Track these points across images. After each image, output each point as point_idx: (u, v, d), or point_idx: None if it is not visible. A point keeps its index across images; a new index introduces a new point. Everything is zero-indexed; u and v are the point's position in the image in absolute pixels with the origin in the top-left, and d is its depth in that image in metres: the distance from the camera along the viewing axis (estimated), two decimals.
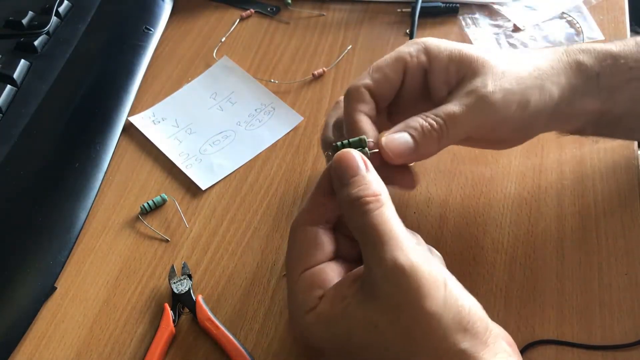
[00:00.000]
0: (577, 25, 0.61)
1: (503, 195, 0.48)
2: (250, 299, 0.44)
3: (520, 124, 0.39)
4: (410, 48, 0.39)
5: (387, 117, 0.42)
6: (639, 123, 0.43)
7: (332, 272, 0.34)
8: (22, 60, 0.55)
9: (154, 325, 0.43)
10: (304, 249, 0.35)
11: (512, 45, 0.60)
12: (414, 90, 0.40)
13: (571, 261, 0.44)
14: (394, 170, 0.37)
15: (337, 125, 0.42)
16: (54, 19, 0.59)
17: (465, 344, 0.29)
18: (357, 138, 0.36)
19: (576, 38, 0.60)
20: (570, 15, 0.62)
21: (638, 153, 0.50)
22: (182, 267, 0.45)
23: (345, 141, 0.36)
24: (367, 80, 0.39)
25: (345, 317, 0.31)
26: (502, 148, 0.46)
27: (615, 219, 0.46)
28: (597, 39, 0.59)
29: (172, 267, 0.45)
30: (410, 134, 0.36)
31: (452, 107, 0.37)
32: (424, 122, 0.36)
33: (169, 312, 0.42)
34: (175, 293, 0.43)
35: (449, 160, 0.50)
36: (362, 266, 0.32)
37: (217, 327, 0.41)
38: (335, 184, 0.34)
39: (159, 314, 0.43)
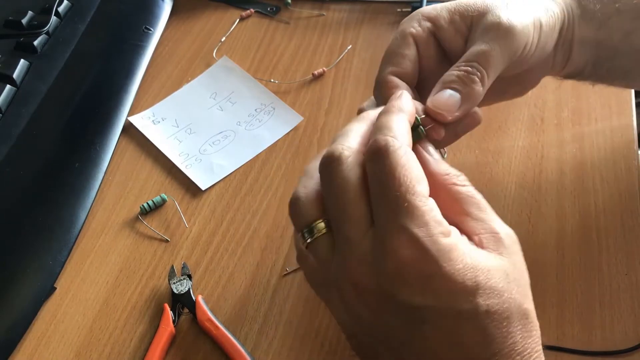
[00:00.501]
0: None
1: (503, 195, 0.48)
2: (250, 299, 0.44)
3: (539, 45, 0.39)
4: (411, 22, 0.40)
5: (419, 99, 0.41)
6: (633, 63, 0.43)
7: None
8: (22, 60, 0.55)
9: (154, 325, 0.43)
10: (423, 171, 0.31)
11: None
12: (433, 59, 0.40)
13: (571, 261, 0.44)
14: (457, 123, 0.37)
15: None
16: (53, 18, 0.59)
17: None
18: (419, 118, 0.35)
19: None
20: None
21: (638, 153, 0.50)
22: (182, 268, 0.45)
23: (417, 119, 0.35)
24: (390, 67, 0.38)
25: (482, 260, 0.29)
26: (522, 92, 0.45)
27: (615, 219, 0.46)
28: None
29: (172, 267, 0.45)
30: (453, 88, 0.36)
31: (478, 47, 0.37)
32: (460, 72, 0.36)
33: (169, 313, 0.42)
34: (175, 293, 0.43)
35: (448, 161, 0.50)
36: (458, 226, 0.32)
37: (217, 327, 0.41)
38: (430, 161, 0.33)
39: (158, 314, 0.43)
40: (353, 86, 0.58)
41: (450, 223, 0.31)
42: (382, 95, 0.38)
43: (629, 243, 0.44)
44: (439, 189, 0.32)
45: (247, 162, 0.53)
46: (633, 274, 0.43)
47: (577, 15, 0.41)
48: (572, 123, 0.50)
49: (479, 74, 0.36)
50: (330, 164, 0.30)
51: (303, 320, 0.42)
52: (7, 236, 0.45)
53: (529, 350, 0.29)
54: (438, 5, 0.40)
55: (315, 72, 0.58)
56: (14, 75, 0.53)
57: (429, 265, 0.28)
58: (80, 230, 0.47)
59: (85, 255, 0.47)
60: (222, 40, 0.63)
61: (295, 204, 0.33)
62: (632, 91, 0.54)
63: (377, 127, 0.31)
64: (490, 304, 0.28)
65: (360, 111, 0.43)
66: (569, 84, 0.56)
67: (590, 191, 0.47)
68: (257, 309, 0.43)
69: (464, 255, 0.29)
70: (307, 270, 0.33)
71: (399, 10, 0.64)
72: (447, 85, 0.36)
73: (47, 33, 0.58)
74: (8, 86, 0.52)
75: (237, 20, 0.65)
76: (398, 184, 0.28)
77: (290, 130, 0.55)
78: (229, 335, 0.41)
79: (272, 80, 0.59)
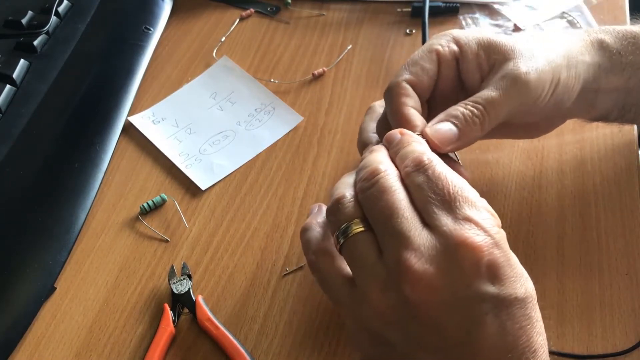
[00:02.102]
0: (578, 24, 0.61)
1: (503, 195, 0.48)
2: (250, 299, 0.44)
3: (552, 102, 0.40)
4: (440, 40, 0.40)
5: (426, 112, 0.42)
6: None
7: None
8: (22, 60, 0.55)
9: (154, 325, 0.43)
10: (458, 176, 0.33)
11: None
12: (449, 81, 0.41)
13: (571, 261, 0.44)
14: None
15: (379, 128, 0.42)
16: (53, 18, 0.59)
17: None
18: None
19: None
20: (570, 15, 0.62)
21: (638, 153, 0.50)
22: (182, 267, 0.45)
23: None
24: (407, 75, 0.39)
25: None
26: (534, 135, 0.46)
27: (615, 219, 0.46)
28: None
29: (172, 267, 0.45)
30: (453, 123, 0.37)
31: (490, 92, 0.38)
32: (465, 110, 0.37)
33: (169, 313, 0.42)
34: (175, 293, 0.43)
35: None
36: None
37: (217, 327, 0.41)
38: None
39: (158, 314, 0.43)
40: (353, 86, 0.58)
41: None
42: (392, 99, 0.39)
43: (629, 243, 0.44)
44: None
45: (247, 162, 0.53)
46: (633, 274, 0.43)
47: (606, 69, 0.41)
48: (573, 123, 0.50)
49: (481, 117, 0.37)
50: (376, 176, 0.33)
51: (303, 320, 0.42)
52: (7, 236, 0.45)
53: (546, 338, 0.31)
54: (470, 34, 0.40)
55: (315, 72, 0.58)
56: (14, 75, 0.53)
57: (498, 254, 0.30)
58: (80, 230, 0.47)
59: (85, 255, 0.47)
60: (222, 40, 0.63)
61: (339, 202, 0.34)
62: None
63: (408, 151, 0.34)
64: (532, 289, 0.30)
65: (370, 109, 0.43)
66: None
67: (590, 191, 0.47)
68: (257, 309, 0.43)
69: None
70: (353, 265, 0.33)
71: (399, 10, 0.64)
72: (450, 119, 0.37)
73: (47, 33, 0.58)
74: (8, 86, 0.52)
75: (237, 20, 0.65)
76: (451, 185, 0.31)
77: (290, 130, 0.55)
78: (229, 335, 0.41)
79: (272, 80, 0.59)
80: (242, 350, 0.40)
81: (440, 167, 0.32)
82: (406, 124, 0.37)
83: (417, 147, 0.34)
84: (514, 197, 0.47)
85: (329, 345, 0.41)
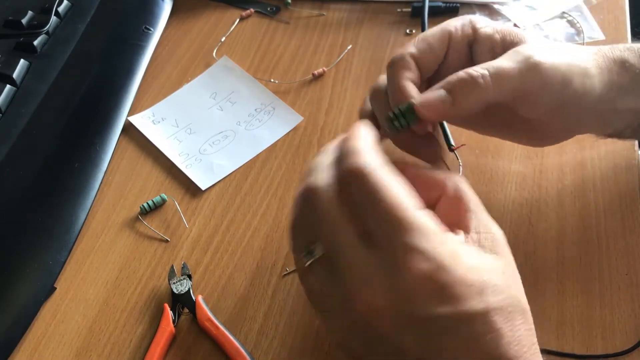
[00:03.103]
0: (578, 25, 0.61)
1: (503, 195, 0.48)
2: (250, 299, 0.44)
3: (559, 102, 0.38)
4: (456, 22, 0.40)
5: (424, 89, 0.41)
6: None
7: None
8: (22, 60, 0.55)
9: (154, 325, 0.43)
10: (408, 187, 0.30)
11: None
12: (457, 64, 0.40)
13: (571, 261, 0.44)
14: (419, 140, 0.38)
15: (376, 96, 0.41)
16: (53, 18, 0.59)
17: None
18: (406, 104, 0.36)
19: (576, 38, 0.60)
20: (570, 15, 0.62)
21: (638, 153, 0.50)
22: (182, 267, 0.45)
23: (396, 109, 0.36)
24: (412, 49, 0.39)
25: (484, 259, 0.31)
26: (536, 141, 0.44)
27: (615, 219, 0.46)
28: (597, 38, 0.59)
29: (172, 267, 0.45)
30: (447, 88, 0.35)
31: (501, 61, 0.36)
32: (463, 74, 0.35)
33: (169, 313, 0.42)
34: (175, 293, 0.43)
35: (448, 161, 0.50)
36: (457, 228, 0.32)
37: (217, 327, 0.41)
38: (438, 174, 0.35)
39: (158, 314, 0.43)
40: (353, 86, 0.58)
41: (450, 222, 0.32)
42: (393, 70, 0.38)
43: (629, 243, 0.44)
44: (436, 189, 0.33)
45: (247, 162, 0.53)
46: (633, 274, 0.42)
47: (626, 90, 0.39)
48: None
49: (483, 82, 0.35)
50: (308, 198, 0.31)
51: (303, 321, 0.42)
52: (7, 236, 0.45)
53: (530, 344, 0.30)
54: (489, 21, 0.40)
55: (315, 72, 0.58)
56: (14, 75, 0.53)
57: (440, 274, 0.28)
58: (80, 230, 0.47)
59: (85, 255, 0.47)
60: (222, 40, 0.63)
61: (294, 226, 0.33)
62: None
63: (343, 153, 0.31)
64: (497, 300, 0.29)
65: (361, 112, 0.43)
66: None
67: (590, 191, 0.47)
68: (257, 309, 0.43)
69: (467, 257, 0.30)
70: (311, 294, 0.33)
71: (399, 10, 0.64)
72: (445, 84, 0.36)
73: (47, 33, 0.58)
74: (8, 86, 0.52)
75: (237, 20, 0.65)
76: (387, 203, 0.29)
77: (290, 130, 0.55)
78: (229, 335, 0.41)
79: (272, 80, 0.59)
80: (242, 350, 0.40)
81: (377, 179, 0.29)
82: (400, 94, 0.37)
83: (356, 145, 0.31)
84: (514, 197, 0.47)
85: (328, 345, 0.41)
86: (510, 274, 0.32)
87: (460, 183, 0.34)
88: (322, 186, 0.31)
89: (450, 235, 0.31)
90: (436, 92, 0.36)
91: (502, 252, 0.32)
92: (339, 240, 0.30)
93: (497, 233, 0.33)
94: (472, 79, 0.35)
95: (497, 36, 0.39)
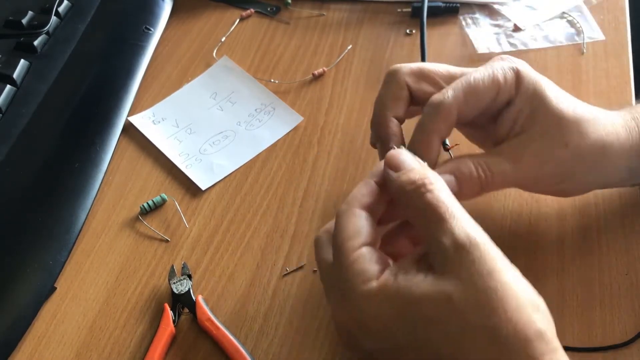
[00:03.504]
0: (578, 25, 0.61)
1: (503, 195, 0.48)
2: (250, 299, 0.44)
3: (562, 192, 0.41)
4: (507, 74, 0.38)
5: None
6: None
7: (386, 257, 0.34)
8: (22, 60, 0.55)
9: (154, 325, 0.43)
10: (362, 224, 0.33)
11: (512, 45, 0.60)
12: (490, 112, 0.39)
13: (571, 261, 0.44)
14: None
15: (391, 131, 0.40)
16: (53, 18, 0.59)
17: (542, 325, 0.28)
18: None
19: (577, 38, 0.60)
20: (570, 15, 0.62)
21: None
22: (182, 267, 0.45)
23: None
24: (458, 96, 0.36)
25: (413, 291, 0.30)
26: (565, 193, 0.44)
27: (615, 219, 0.46)
28: (597, 39, 0.59)
29: (172, 267, 0.45)
30: (457, 178, 0.36)
31: (505, 165, 0.37)
32: (474, 171, 0.37)
33: (169, 312, 0.42)
34: (175, 293, 0.43)
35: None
36: (420, 247, 0.33)
37: (217, 327, 0.41)
38: (393, 177, 0.34)
39: (159, 314, 0.43)
40: (353, 86, 0.58)
41: (415, 241, 0.36)
42: (432, 122, 0.37)
43: (629, 243, 0.44)
44: (399, 206, 0.35)
45: (247, 162, 0.53)
46: (633, 274, 0.43)
47: None
48: None
49: (486, 183, 0.37)
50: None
51: (303, 320, 0.42)
52: (7, 236, 0.45)
53: None
54: (532, 79, 0.38)
55: (315, 72, 0.58)
56: (14, 75, 0.53)
57: (354, 314, 0.31)
58: (80, 230, 0.47)
59: (85, 255, 0.47)
60: (222, 40, 0.63)
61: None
62: (633, 91, 0.55)
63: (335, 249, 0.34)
64: (429, 333, 0.29)
65: (394, 79, 0.41)
66: (569, 82, 0.56)
67: (590, 191, 0.47)
68: (257, 309, 0.43)
69: (388, 292, 0.30)
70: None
71: (399, 10, 0.64)
72: (456, 173, 0.36)
73: (47, 33, 0.58)
74: (8, 86, 0.52)
75: (237, 20, 0.65)
76: (334, 243, 0.33)
77: (290, 130, 0.55)
78: (229, 335, 0.41)
79: (272, 80, 0.59)
80: (242, 350, 0.40)
81: (339, 219, 0.34)
82: (427, 152, 0.37)
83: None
84: (514, 197, 0.47)
85: (329, 345, 0.41)
86: (467, 294, 0.28)
87: (430, 186, 0.32)
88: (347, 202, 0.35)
89: (374, 274, 0.31)
90: (447, 179, 0.36)
91: (456, 270, 0.29)
92: (320, 261, 0.35)
93: (448, 248, 0.30)
94: (479, 179, 0.37)
95: (526, 112, 0.38)
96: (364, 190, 0.35)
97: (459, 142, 0.45)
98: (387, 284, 0.31)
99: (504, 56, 0.39)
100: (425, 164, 0.35)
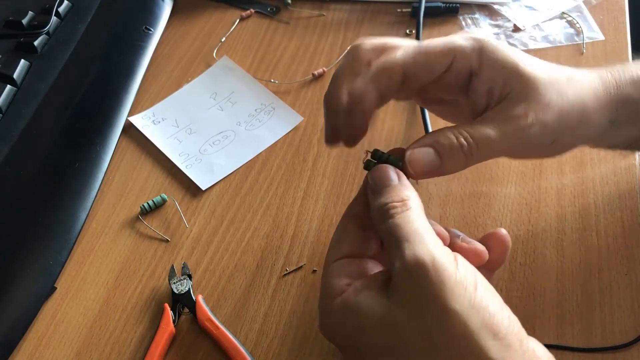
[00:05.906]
0: (577, 25, 0.61)
1: (503, 195, 0.48)
2: (250, 299, 0.44)
3: (550, 153, 0.39)
4: (465, 43, 0.36)
5: (415, 92, 0.39)
6: None
7: (371, 269, 0.34)
8: (22, 60, 0.55)
9: (154, 325, 0.43)
10: (344, 237, 0.35)
11: (512, 45, 0.60)
12: (451, 83, 0.38)
13: (571, 261, 0.44)
14: None
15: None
16: (53, 19, 0.59)
17: (496, 354, 0.26)
18: (392, 158, 0.35)
19: (576, 38, 0.60)
20: (570, 15, 0.62)
21: (638, 153, 0.50)
22: (182, 267, 0.45)
23: (378, 153, 0.36)
24: (407, 58, 0.35)
25: (363, 310, 0.30)
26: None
27: (615, 219, 0.46)
28: (597, 39, 0.59)
29: (172, 267, 0.45)
30: (437, 150, 0.34)
31: (489, 130, 0.35)
32: (454, 140, 0.34)
33: (169, 312, 0.42)
34: (175, 293, 0.43)
35: None
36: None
37: (217, 327, 0.41)
38: (370, 197, 0.34)
39: (159, 314, 0.43)
40: None
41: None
42: (378, 79, 0.36)
43: (629, 243, 0.44)
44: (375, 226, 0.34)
45: (247, 162, 0.53)
46: (633, 274, 0.43)
47: (621, 123, 0.38)
48: None
49: (470, 152, 0.34)
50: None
51: (303, 320, 0.42)
52: (7, 236, 0.45)
53: None
54: (500, 52, 0.36)
55: (315, 72, 0.58)
56: (14, 75, 0.53)
57: (324, 326, 0.33)
58: (81, 230, 0.47)
59: (85, 255, 0.47)
60: (222, 40, 0.63)
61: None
62: None
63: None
64: (381, 358, 0.29)
65: (356, 53, 0.39)
66: None
67: (590, 191, 0.47)
68: (257, 309, 0.43)
69: (346, 310, 0.31)
70: None
71: (399, 10, 0.64)
72: (435, 145, 0.35)
73: (47, 33, 0.58)
74: (8, 86, 0.52)
75: (237, 20, 0.65)
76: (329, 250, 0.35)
77: (290, 130, 0.55)
78: (229, 335, 0.41)
79: (272, 80, 0.59)
80: (242, 350, 0.40)
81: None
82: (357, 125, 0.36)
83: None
84: (514, 197, 0.47)
85: (329, 345, 0.41)
86: (413, 315, 0.28)
87: (402, 207, 0.32)
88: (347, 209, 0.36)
89: (339, 289, 0.32)
90: (425, 153, 0.34)
91: (402, 292, 0.29)
92: (326, 258, 0.36)
93: (398, 272, 0.29)
94: (461, 149, 0.34)
95: (499, 80, 0.36)
96: (357, 199, 0.36)
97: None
98: (348, 301, 0.31)
99: (466, 30, 0.39)
100: (402, 179, 0.34)
